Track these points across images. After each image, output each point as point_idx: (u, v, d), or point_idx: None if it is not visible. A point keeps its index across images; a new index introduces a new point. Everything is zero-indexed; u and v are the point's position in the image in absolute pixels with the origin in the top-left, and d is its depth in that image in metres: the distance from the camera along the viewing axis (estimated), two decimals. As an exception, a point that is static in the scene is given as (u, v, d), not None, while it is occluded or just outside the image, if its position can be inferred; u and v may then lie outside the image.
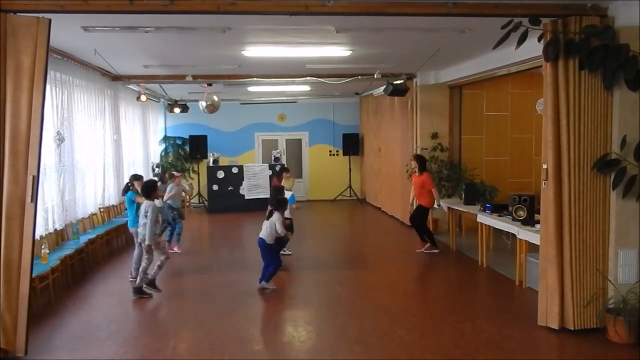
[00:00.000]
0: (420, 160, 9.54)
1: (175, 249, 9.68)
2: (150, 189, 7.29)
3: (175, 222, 9.74)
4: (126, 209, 8.62)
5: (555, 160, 5.53)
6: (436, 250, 9.32)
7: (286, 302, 7.01)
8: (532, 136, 11.84)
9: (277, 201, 7.61)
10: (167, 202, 9.46)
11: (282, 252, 8.62)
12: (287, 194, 8.63)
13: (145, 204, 7.18)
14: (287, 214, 8.20)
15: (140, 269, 7.15)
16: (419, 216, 9.48)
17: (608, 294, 5.56)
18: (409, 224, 9.56)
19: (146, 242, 7.05)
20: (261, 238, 7.38)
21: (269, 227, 7.33)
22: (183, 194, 10.12)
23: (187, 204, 15.89)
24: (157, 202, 7.75)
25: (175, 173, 10.20)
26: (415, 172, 9.49)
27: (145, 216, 7.05)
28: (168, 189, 9.56)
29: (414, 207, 9.59)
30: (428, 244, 9.38)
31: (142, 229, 7.12)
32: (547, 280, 5.68)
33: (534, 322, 5.82)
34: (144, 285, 7.08)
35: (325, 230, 10.32)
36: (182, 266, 8.86)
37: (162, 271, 8.36)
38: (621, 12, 5.37)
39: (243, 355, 5.22)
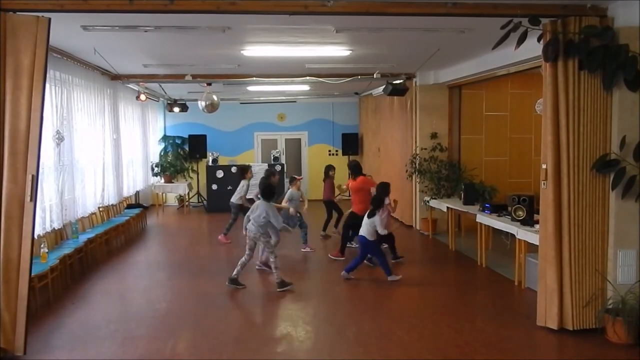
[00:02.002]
0: (350, 166, 9.80)
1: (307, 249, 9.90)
2: (267, 191, 7.65)
3: (301, 226, 9.96)
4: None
5: (554, 160, 5.54)
6: (342, 258, 9.20)
7: (285, 302, 7.00)
8: (531, 136, 11.85)
9: (374, 200, 7.96)
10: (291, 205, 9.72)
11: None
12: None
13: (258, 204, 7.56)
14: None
15: (240, 262, 7.50)
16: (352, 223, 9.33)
17: (607, 295, 5.56)
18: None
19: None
20: (361, 235, 7.78)
21: (369, 225, 7.68)
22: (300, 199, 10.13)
23: (187, 203, 15.92)
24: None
25: (296, 177, 10.40)
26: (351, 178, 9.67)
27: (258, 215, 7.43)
28: (288, 194, 9.79)
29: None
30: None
31: (253, 227, 7.45)
32: (546, 280, 5.68)
33: (533, 323, 5.83)
34: (232, 279, 7.44)
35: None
36: (181, 266, 8.86)
37: (160, 272, 8.37)
38: (621, 12, 5.38)
39: (242, 355, 5.22)
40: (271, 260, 7.44)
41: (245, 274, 7.86)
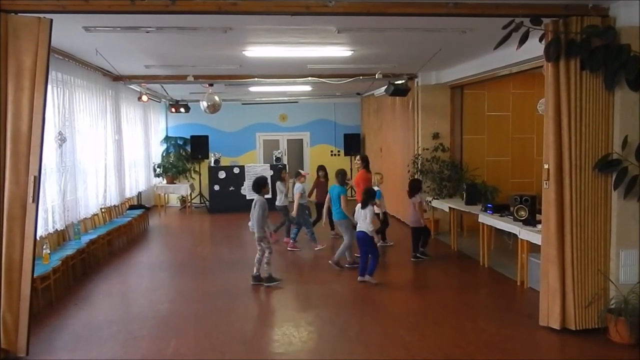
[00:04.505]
0: (363, 159, 10.00)
1: (320, 246, 9.91)
2: (260, 185, 7.70)
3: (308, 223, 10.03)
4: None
5: (556, 160, 5.53)
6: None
7: (287, 302, 7.01)
8: (533, 136, 11.84)
9: (365, 193, 7.89)
10: (300, 202, 9.85)
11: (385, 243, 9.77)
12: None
13: (255, 198, 7.64)
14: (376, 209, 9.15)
15: (255, 260, 7.63)
16: None
17: (609, 294, 5.56)
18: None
19: (256, 235, 7.55)
20: (360, 230, 7.69)
21: (365, 219, 7.64)
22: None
23: (189, 203, 15.94)
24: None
25: (302, 172, 10.52)
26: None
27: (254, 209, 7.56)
28: (297, 187, 9.95)
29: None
30: None
31: (252, 223, 7.59)
32: (548, 280, 5.68)
33: (535, 322, 5.82)
34: (265, 279, 7.58)
35: (327, 229, 10.44)
36: (183, 266, 8.87)
37: (162, 273, 8.36)
38: (622, 12, 5.37)
39: (244, 355, 5.22)
40: (265, 255, 7.56)
41: (242, 274, 7.88)
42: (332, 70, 10.47)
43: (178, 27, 6.58)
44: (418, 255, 9.00)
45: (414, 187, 9.06)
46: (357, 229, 7.78)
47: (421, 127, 11.56)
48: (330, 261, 8.52)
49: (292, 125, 17.40)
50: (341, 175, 8.97)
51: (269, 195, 7.88)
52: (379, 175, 10.06)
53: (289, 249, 9.90)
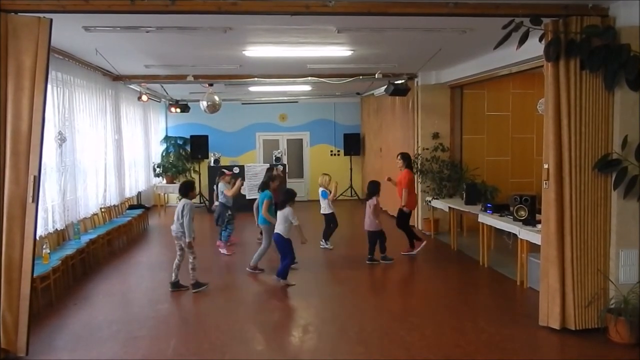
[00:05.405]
0: (404, 157, 9.47)
1: (224, 251, 9.71)
2: (187, 189, 7.42)
3: (229, 223, 9.85)
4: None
5: (556, 160, 5.53)
6: (421, 246, 9.24)
7: (287, 302, 7.01)
8: (533, 136, 11.84)
9: (285, 193, 7.66)
10: (222, 202, 9.72)
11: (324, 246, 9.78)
12: (320, 190, 9.52)
13: (181, 202, 7.30)
14: (327, 209, 9.68)
15: (174, 266, 7.40)
16: (402, 219, 9.36)
17: (609, 294, 5.56)
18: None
19: (186, 239, 7.22)
20: (276, 233, 7.50)
21: (284, 221, 7.43)
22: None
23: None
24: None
25: (225, 171, 10.35)
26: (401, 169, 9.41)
27: (182, 215, 7.18)
28: (221, 187, 9.77)
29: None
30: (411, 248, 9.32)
31: (176, 227, 7.25)
32: (548, 280, 5.68)
33: (535, 322, 5.82)
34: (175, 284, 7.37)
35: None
36: (183, 266, 8.85)
37: (162, 272, 8.34)
38: (622, 12, 5.38)
39: (244, 356, 5.22)
40: (190, 260, 7.28)
41: (241, 274, 7.88)
42: (332, 70, 10.47)
43: (178, 27, 6.59)
44: (374, 259, 8.75)
45: (371, 190, 8.82)
46: (274, 231, 7.57)
47: (421, 127, 11.57)
48: (247, 268, 8.22)
49: (292, 125, 17.40)
50: (266, 181, 8.77)
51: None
52: (326, 177, 9.97)
53: (221, 249, 9.79)
